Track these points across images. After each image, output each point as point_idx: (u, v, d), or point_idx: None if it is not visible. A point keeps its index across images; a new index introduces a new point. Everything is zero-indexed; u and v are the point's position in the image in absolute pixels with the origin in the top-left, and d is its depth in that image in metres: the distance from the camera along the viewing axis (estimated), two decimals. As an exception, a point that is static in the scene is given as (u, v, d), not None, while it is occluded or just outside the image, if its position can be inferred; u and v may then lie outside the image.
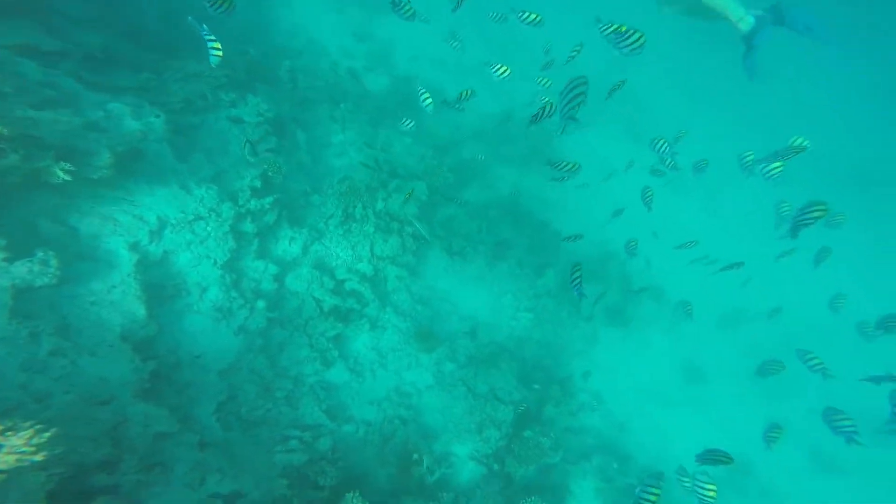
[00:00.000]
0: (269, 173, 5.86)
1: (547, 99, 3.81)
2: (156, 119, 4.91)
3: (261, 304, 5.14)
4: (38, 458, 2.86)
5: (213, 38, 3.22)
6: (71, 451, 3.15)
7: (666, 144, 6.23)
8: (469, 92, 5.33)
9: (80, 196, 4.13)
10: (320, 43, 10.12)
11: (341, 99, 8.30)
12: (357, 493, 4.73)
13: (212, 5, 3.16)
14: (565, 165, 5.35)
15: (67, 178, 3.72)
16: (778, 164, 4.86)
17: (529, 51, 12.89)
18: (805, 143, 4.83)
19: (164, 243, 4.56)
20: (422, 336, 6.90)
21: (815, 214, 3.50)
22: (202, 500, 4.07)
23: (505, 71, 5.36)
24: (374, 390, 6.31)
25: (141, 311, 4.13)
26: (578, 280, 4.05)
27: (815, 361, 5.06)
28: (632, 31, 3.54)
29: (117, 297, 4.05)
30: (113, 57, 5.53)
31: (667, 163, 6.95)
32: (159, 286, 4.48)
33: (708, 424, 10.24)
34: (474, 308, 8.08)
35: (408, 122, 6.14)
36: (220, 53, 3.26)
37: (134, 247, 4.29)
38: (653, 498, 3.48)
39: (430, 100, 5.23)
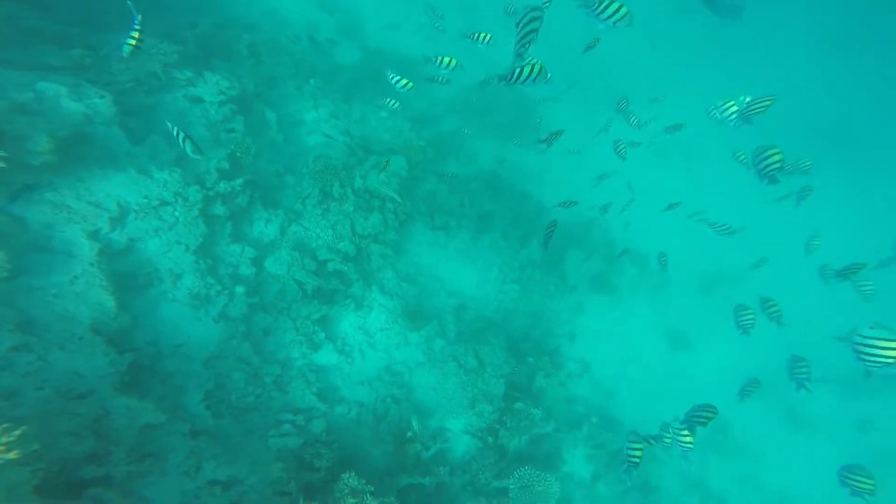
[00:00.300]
0: (238, 154, 5.56)
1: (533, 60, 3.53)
2: (100, 100, 4.51)
3: (240, 289, 4.97)
4: (12, 455, 2.73)
5: (138, 26, 2.95)
6: (51, 446, 3.02)
7: (626, 102, 6.19)
8: (451, 61, 5.07)
9: (19, 183, 3.82)
10: (280, 14, 9.52)
11: (310, 74, 7.89)
12: (353, 473, 4.76)
13: None
14: (552, 135, 5.25)
15: (2, 164, 3.41)
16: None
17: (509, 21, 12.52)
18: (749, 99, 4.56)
19: (128, 230, 4.30)
20: (410, 314, 6.87)
21: (775, 157, 3.45)
22: (200, 487, 4.02)
23: (486, 37, 5.14)
24: (364, 371, 6.29)
25: (110, 302, 3.92)
26: (551, 234, 4.14)
27: (773, 309, 5.13)
28: (611, 2, 3.30)
29: (81, 289, 3.82)
30: (29, 30, 5.01)
31: (631, 121, 6.96)
32: (129, 275, 4.25)
33: (692, 389, 10.70)
34: (461, 282, 8.07)
35: (391, 101, 5.91)
36: (134, 44, 2.98)
37: (94, 235, 4.03)
38: (638, 453, 3.73)
39: (404, 81, 5.02)
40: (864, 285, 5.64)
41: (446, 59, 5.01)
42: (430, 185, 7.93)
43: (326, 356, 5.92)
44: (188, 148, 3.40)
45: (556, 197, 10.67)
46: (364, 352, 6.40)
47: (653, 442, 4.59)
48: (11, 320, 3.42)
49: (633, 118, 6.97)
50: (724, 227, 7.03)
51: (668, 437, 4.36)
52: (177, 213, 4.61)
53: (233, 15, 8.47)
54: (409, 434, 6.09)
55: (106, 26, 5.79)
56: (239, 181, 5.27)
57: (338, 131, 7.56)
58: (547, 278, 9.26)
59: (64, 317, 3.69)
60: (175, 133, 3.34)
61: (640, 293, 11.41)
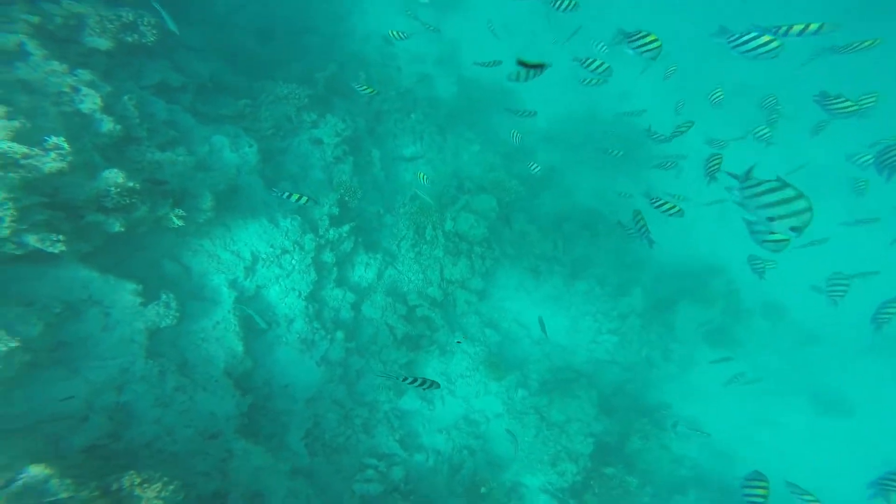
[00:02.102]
0: (346, 198, 5.94)
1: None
2: (249, 149, 5.18)
3: (340, 334, 5.28)
4: (165, 492, 3.16)
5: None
6: (190, 487, 3.45)
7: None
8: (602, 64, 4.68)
9: (191, 234, 4.50)
10: (391, 48, 10.04)
11: (412, 107, 8.14)
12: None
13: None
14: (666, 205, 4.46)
15: (181, 223, 4.04)
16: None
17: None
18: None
19: (256, 278, 4.84)
20: (491, 361, 6.67)
21: None
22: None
23: (602, 65, 4.71)
24: (443, 417, 6.27)
25: (239, 347, 4.43)
26: (643, 226, 3.75)
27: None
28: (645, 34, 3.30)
29: (220, 334, 4.39)
30: (219, 84, 5.96)
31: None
32: (253, 320, 4.78)
33: (844, 456, 8.64)
34: (549, 331, 7.61)
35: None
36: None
37: (233, 284, 4.60)
38: (761, 491, 3.14)
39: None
40: None
41: (597, 62, 4.70)
42: (520, 226, 7.62)
43: (410, 401, 6.03)
44: (305, 201, 3.77)
45: (666, 237, 9.45)
46: (444, 398, 6.39)
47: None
48: (175, 361, 4.05)
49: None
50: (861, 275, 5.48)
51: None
52: (294, 262, 5.07)
53: (353, 51, 9.13)
54: (483, 490, 5.90)
55: (267, 70, 6.66)
56: (346, 228, 5.61)
57: (432, 167, 7.69)
58: (649, 328, 8.29)
59: (207, 359, 4.27)
60: (294, 199, 3.67)
61: (771, 349, 9.59)
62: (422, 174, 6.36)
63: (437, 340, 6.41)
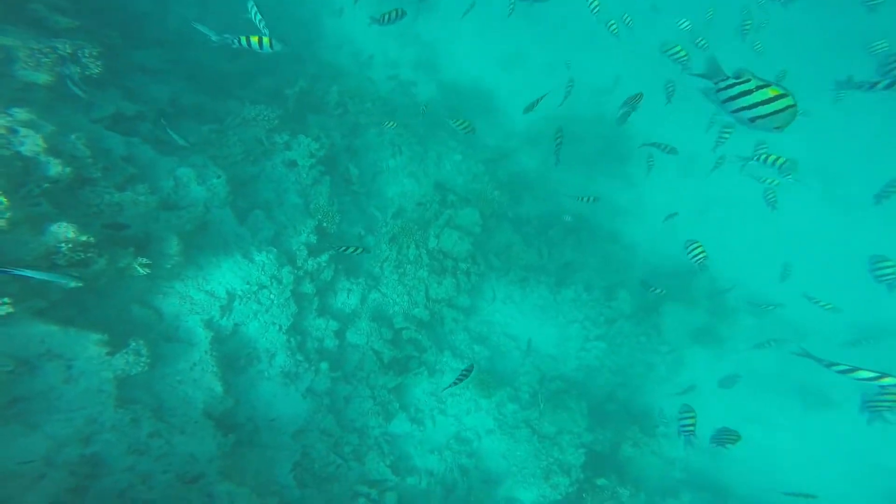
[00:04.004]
0: (324, 224, 5.82)
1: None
2: (217, 180, 5.01)
3: (324, 365, 5.21)
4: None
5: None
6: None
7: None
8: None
9: (160, 277, 4.38)
10: (364, 53, 9.80)
11: (390, 117, 7.97)
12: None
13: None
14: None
15: (146, 271, 3.92)
16: None
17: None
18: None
19: (234, 316, 4.74)
20: (480, 377, 6.63)
21: None
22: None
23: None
24: (434, 438, 6.24)
25: (218, 387, 4.35)
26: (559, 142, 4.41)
27: None
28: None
29: (198, 375, 4.30)
30: (181, 108, 5.76)
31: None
32: (233, 357, 4.70)
33: (830, 450, 8.73)
34: (538, 341, 7.56)
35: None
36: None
37: (209, 324, 4.50)
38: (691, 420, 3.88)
39: (463, 123, 5.31)
40: None
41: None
42: (504, 237, 7.52)
43: (400, 425, 5.99)
44: (353, 251, 4.14)
45: (653, 236, 9.36)
46: (435, 418, 6.35)
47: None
48: (150, 406, 3.97)
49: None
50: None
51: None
52: (272, 296, 4.96)
53: (326, 61, 8.89)
54: (478, 510, 5.91)
55: (230, 89, 6.45)
56: (324, 257, 5.50)
57: (413, 179, 7.55)
58: (637, 331, 8.27)
59: (185, 401, 4.19)
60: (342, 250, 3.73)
61: (757, 345, 9.62)
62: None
63: (426, 361, 6.35)
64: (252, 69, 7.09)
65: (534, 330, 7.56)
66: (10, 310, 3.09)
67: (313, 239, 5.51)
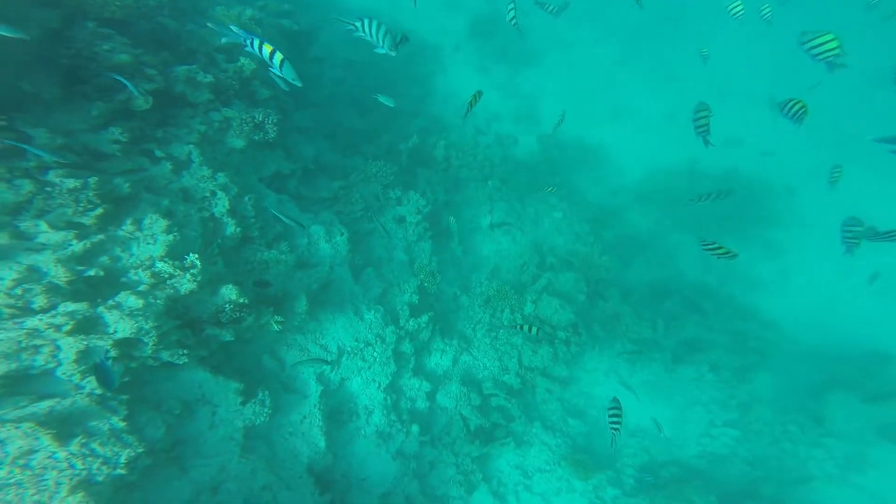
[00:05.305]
0: (426, 283, 5.93)
1: None
2: (340, 238, 5.43)
3: (415, 428, 5.16)
4: None
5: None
6: None
7: None
8: None
9: (287, 330, 4.77)
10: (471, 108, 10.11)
11: (490, 172, 8.03)
12: None
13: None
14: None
15: (280, 328, 4.29)
16: None
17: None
18: None
19: (341, 371, 4.96)
20: (575, 455, 6.00)
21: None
22: None
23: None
24: (517, 518, 5.76)
25: (322, 442, 4.51)
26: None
27: None
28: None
29: (306, 429, 4.52)
30: (321, 166, 6.44)
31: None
32: (335, 411, 4.88)
33: None
34: (647, 420, 6.68)
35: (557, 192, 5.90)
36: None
37: (320, 378, 4.76)
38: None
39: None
40: None
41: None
42: (611, 306, 6.90)
43: (481, 497, 5.65)
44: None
45: (799, 311, 7.85)
46: (519, 494, 5.88)
47: None
48: (265, 457, 4.24)
49: None
50: None
51: None
52: (375, 354, 5.11)
53: (434, 115, 9.38)
54: None
55: (357, 148, 7.10)
56: (424, 318, 5.57)
57: (510, 238, 7.43)
58: (786, 419, 6.83)
59: (292, 455, 4.41)
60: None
61: None
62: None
63: (513, 431, 5.97)
64: (378, 125, 7.70)
65: (644, 408, 6.71)
66: (186, 360, 3.57)
67: (415, 299, 5.63)
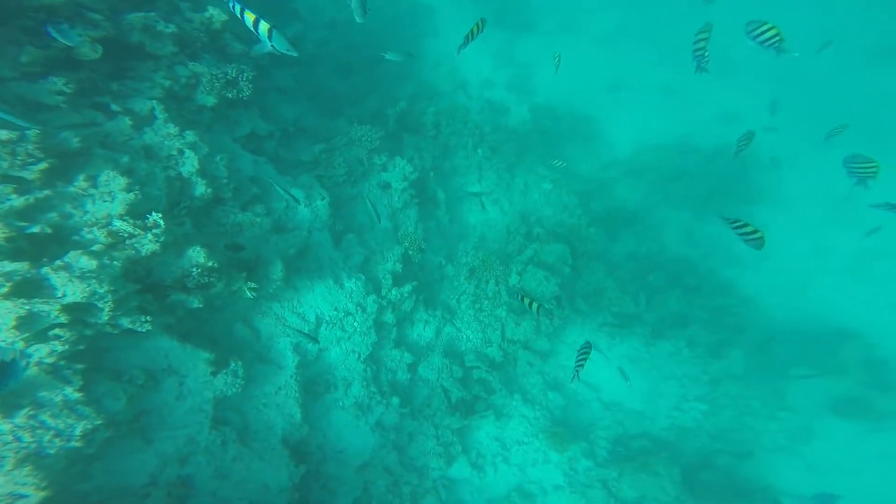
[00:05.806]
0: (410, 252, 5.73)
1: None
2: (321, 202, 5.14)
3: (395, 400, 5.09)
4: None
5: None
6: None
7: None
8: None
9: (262, 297, 4.53)
10: (461, 73, 9.65)
11: (479, 140, 7.73)
12: None
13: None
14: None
15: (253, 294, 4.04)
16: None
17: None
18: None
19: (319, 341, 4.77)
20: (553, 428, 6.11)
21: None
22: None
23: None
24: (494, 486, 5.85)
25: (297, 414, 4.39)
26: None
27: None
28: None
29: (282, 400, 4.37)
30: (301, 128, 6.04)
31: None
32: (312, 382, 4.73)
33: None
34: (622, 393, 6.82)
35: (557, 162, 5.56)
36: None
37: (296, 348, 4.57)
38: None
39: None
40: None
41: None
42: (596, 278, 6.88)
43: (460, 469, 5.70)
44: None
45: (775, 289, 8.02)
46: (497, 466, 5.97)
47: None
48: (237, 428, 4.09)
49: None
50: None
51: None
52: (356, 324, 4.95)
53: (425, 80, 8.89)
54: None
55: (342, 109, 6.65)
56: (407, 288, 5.40)
57: (497, 208, 7.24)
58: (748, 393, 7.10)
59: (266, 426, 4.27)
60: None
61: None
62: None
63: (493, 404, 6.00)
64: (361, 88, 7.25)
65: (619, 381, 6.82)
66: (149, 327, 3.31)
67: (399, 268, 5.43)
